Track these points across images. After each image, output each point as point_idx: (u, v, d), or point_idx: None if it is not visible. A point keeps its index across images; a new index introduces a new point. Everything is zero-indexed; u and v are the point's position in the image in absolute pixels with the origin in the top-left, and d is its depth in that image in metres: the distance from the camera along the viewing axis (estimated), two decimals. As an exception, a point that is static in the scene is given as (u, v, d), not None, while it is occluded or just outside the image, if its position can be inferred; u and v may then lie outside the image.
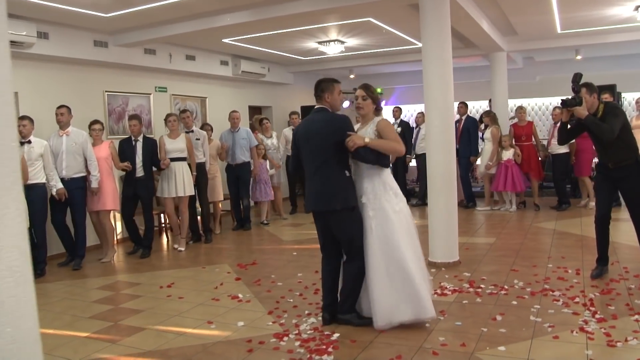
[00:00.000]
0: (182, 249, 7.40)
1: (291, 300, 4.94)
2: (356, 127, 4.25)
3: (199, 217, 8.03)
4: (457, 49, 10.17)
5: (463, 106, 10.02)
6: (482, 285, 5.02)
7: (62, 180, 6.38)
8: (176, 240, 7.54)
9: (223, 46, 9.33)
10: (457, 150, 7.73)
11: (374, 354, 3.63)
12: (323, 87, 4.15)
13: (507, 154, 9.10)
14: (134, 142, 7.06)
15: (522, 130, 9.36)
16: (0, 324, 1.64)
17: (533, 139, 9.31)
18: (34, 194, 5.97)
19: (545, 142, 9.82)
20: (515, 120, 9.66)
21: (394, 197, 4.04)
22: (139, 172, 7.00)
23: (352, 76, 13.29)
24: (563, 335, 3.71)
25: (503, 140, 9.15)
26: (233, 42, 8.83)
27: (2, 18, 1.82)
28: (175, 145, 7.16)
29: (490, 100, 10.71)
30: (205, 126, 8.58)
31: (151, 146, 7.09)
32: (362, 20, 7.59)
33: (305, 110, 12.15)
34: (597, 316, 4.02)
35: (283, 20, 6.91)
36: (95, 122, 6.91)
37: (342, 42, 9.16)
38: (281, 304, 4.83)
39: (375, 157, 3.97)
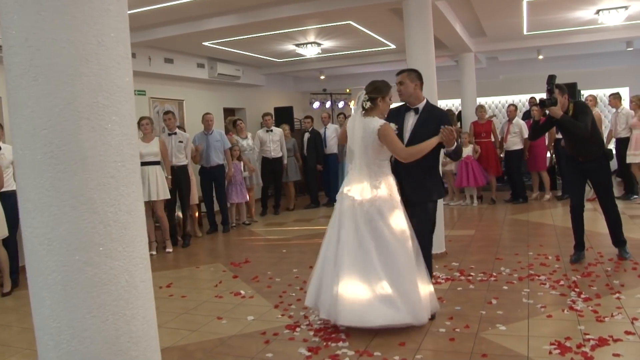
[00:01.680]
0: (170, 250, 7.42)
1: (293, 294, 5.14)
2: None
3: (178, 222, 8.02)
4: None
5: None
6: (472, 274, 5.35)
7: None
8: (152, 247, 7.39)
9: (201, 49, 9.43)
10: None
11: (385, 338, 3.87)
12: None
13: (466, 151, 9.52)
14: None
15: (482, 128, 9.85)
16: (136, 306, 1.83)
17: (492, 137, 9.81)
18: (7, 202, 5.82)
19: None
20: (495, 118, 10.19)
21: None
22: None
23: (322, 77, 13.56)
24: (556, 314, 4.06)
25: (462, 137, 9.61)
26: (212, 45, 8.96)
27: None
28: (148, 149, 7.07)
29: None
30: (178, 129, 8.52)
31: None
32: (343, 23, 7.84)
33: (279, 111, 12.34)
34: (582, 296, 4.39)
35: (266, 24, 7.11)
36: None
37: (319, 44, 9.40)
38: (285, 298, 5.02)
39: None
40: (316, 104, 14.02)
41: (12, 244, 5.97)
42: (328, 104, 14.27)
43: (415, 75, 4.29)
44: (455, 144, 4.09)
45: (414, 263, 3.91)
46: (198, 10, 6.61)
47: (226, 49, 9.35)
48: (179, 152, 7.61)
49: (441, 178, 4.40)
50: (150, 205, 7.15)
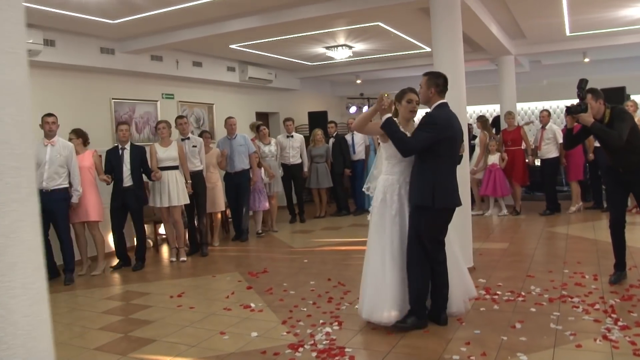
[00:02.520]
0: (184, 258, 7.22)
1: (305, 309, 4.86)
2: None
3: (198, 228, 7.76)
4: (465, 52, 10.14)
5: None
6: (499, 292, 4.93)
7: (43, 191, 6.01)
8: (173, 253, 7.31)
9: (230, 52, 9.29)
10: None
11: (392, 364, 3.55)
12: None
13: (493, 159, 9.17)
14: (120, 151, 6.80)
15: (509, 136, 9.40)
16: (14, 345, 1.57)
17: (523, 144, 9.31)
18: None
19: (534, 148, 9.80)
20: (532, 124, 9.72)
21: None
22: (127, 182, 6.75)
23: (358, 81, 13.25)
24: (586, 344, 3.62)
25: (490, 145, 9.19)
26: (240, 48, 8.79)
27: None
28: (167, 154, 6.94)
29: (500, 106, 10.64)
30: (204, 134, 8.34)
31: (140, 154, 6.86)
32: (371, 24, 7.53)
33: (313, 115, 12.06)
34: (619, 323, 3.92)
35: (291, 25, 6.88)
36: (72, 131, 6.66)
37: (350, 47, 9.11)
38: (295, 313, 4.75)
39: None
40: (353, 109, 13.70)
41: None
42: (365, 109, 13.93)
43: (433, 81, 4.15)
44: (387, 115, 4.05)
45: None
46: (219, 12, 6.44)
47: (254, 51, 9.17)
48: (193, 157, 7.39)
49: (433, 185, 4.00)
50: (169, 211, 7.03)
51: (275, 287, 5.65)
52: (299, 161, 9.65)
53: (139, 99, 8.69)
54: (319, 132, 10.12)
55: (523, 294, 4.84)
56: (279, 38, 8.08)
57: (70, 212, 6.41)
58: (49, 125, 6.15)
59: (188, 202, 7.11)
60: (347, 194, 10.53)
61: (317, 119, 11.83)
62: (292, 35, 7.98)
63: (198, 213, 7.55)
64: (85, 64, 7.36)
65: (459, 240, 5.68)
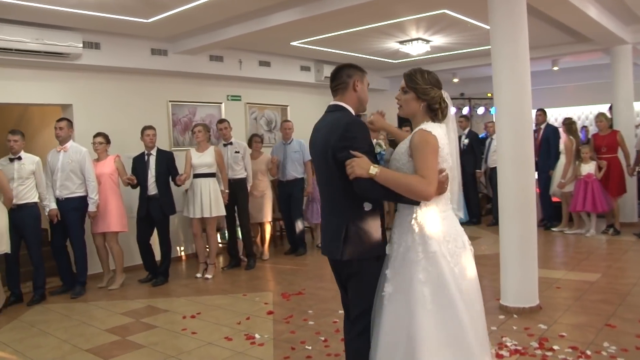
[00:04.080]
0: (209, 276, 6.59)
1: (309, 347, 4.09)
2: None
3: (240, 240, 7.22)
4: (566, 44, 8.71)
5: (542, 113, 8.67)
6: (556, 347, 3.78)
7: (57, 200, 5.87)
8: (200, 269, 6.71)
9: (302, 51, 8.68)
10: (536, 164, 6.44)
11: None
12: (348, 70, 2.84)
13: (587, 168, 7.71)
14: (146, 157, 6.38)
15: (603, 141, 7.87)
16: None
17: (619, 151, 7.81)
18: (25, 214, 5.56)
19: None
20: None
21: (427, 256, 2.56)
22: (151, 190, 6.31)
23: (455, 80, 12.07)
24: None
25: (583, 152, 7.77)
26: (302, 45, 8.15)
27: None
28: (201, 160, 6.43)
29: (611, 106, 8.99)
30: (254, 138, 7.77)
31: (166, 160, 6.38)
32: (437, 12, 6.52)
33: (404, 118, 11.07)
34: None
35: (342, 15, 6.08)
36: (97, 134, 6.33)
37: (427, 41, 8.10)
38: (296, 352, 4.00)
39: (385, 193, 2.54)
40: (452, 110, 12.52)
41: (36, 257, 5.72)
42: (466, 110, 12.68)
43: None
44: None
45: None
46: (256, 4, 5.83)
47: (322, 49, 8.46)
48: (235, 164, 6.85)
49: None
50: (201, 223, 6.54)
51: (297, 315, 4.92)
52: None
53: (199, 101, 8.36)
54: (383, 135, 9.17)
55: (588, 353, 3.66)
56: (341, 32, 7.33)
57: (91, 222, 6.15)
58: (56, 131, 5.95)
59: (223, 213, 6.56)
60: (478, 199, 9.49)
61: (408, 122, 10.81)
62: (354, 29, 7.18)
63: (240, 223, 6.98)
64: (135, 65, 7.12)
65: (519, 269, 4.61)
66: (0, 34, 5.59)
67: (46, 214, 5.84)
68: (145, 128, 6.43)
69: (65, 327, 4.96)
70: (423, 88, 2.65)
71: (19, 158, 5.62)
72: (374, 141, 2.92)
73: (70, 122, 6.11)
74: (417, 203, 2.57)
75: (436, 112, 2.69)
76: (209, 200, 6.34)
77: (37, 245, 5.69)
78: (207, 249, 6.81)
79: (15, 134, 5.63)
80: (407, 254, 2.58)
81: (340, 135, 2.59)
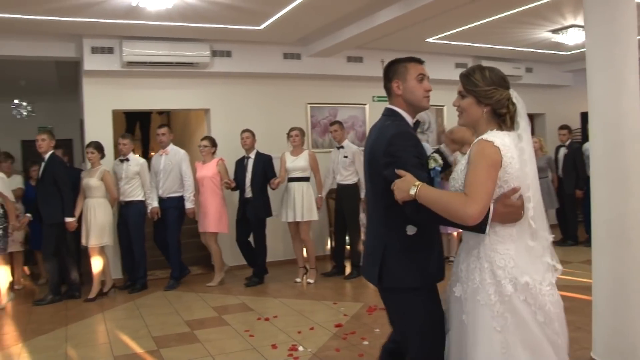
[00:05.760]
0: (311, 281, 6.53)
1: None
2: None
3: (347, 247, 6.97)
4: None
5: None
6: None
7: (160, 199, 6.37)
8: (299, 273, 6.63)
9: (455, 48, 8.12)
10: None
11: None
12: (388, 71, 2.54)
13: None
14: (245, 160, 6.54)
15: None
16: None
17: None
18: (131, 210, 6.19)
19: None
20: None
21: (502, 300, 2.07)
22: (248, 193, 6.46)
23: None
24: None
25: None
26: (437, 41, 7.60)
27: None
28: (295, 164, 6.38)
29: None
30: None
31: (263, 163, 6.47)
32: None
33: (586, 116, 9.63)
34: None
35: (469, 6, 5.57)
36: (204, 138, 6.65)
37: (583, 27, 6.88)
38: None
39: (435, 216, 2.13)
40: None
41: (139, 251, 6.31)
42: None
43: None
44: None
45: None
46: (352, 4, 5.66)
47: (454, 43, 7.75)
48: (343, 169, 6.60)
49: None
50: (297, 227, 6.55)
51: (360, 333, 4.64)
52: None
53: (341, 103, 8.37)
54: (536, 140, 8.01)
55: None
56: (470, 26, 6.68)
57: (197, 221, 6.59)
58: (159, 137, 6.49)
59: (315, 218, 6.49)
60: (576, 220, 8.04)
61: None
62: (483, 21, 6.48)
63: (349, 232, 6.79)
64: (268, 70, 7.46)
65: (613, 317, 3.64)
66: (135, 48, 6.38)
67: (148, 211, 6.43)
68: (242, 131, 6.61)
69: (156, 313, 5.46)
70: (484, 90, 2.19)
71: (127, 159, 6.31)
72: (430, 154, 2.52)
73: (169, 128, 6.67)
74: (482, 230, 2.08)
75: (504, 118, 2.21)
76: (302, 204, 6.34)
77: (140, 239, 6.32)
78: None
79: (124, 138, 6.37)
80: (476, 296, 2.12)
81: (384, 151, 2.31)
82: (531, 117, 10.12)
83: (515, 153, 2.10)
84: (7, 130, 10.36)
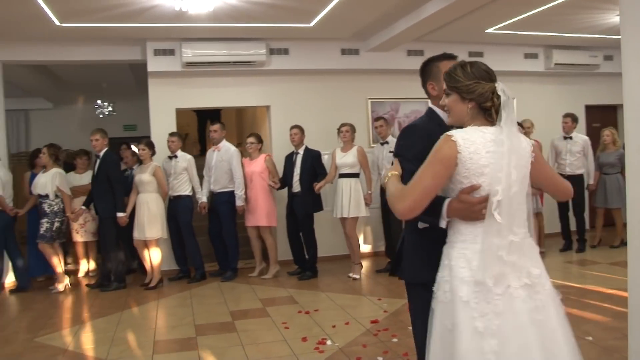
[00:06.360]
0: (356, 276, 6.50)
1: (375, 362, 3.86)
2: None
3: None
4: None
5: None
6: None
7: (212, 193, 6.60)
8: (355, 270, 6.61)
9: (521, 38, 7.77)
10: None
11: None
12: (423, 72, 2.55)
13: None
14: (294, 156, 6.61)
15: None
16: None
17: None
18: (179, 205, 6.45)
19: None
20: None
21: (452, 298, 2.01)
22: (295, 188, 6.53)
23: None
24: None
25: None
26: (497, 32, 7.30)
27: None
28: (344, 160, 6.38)
29: None
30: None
31: (311, 158, 6.50)
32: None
33: None
34: None
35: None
36: (250, 135, 6.77)
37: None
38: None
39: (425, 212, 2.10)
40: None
41: (191, 243, 6.60)
42: None
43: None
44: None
45: None
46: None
47: (513, 32, 7.42)
48: (388, 164, 6.52)
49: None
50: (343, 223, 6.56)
51: (393, 329, 4.60)
52: None
53: (404, 98, 8.26)
54: (608, 133, 7.41)
55: None
56: (530, 13, 6.35)
57: (245, 215, 6.75)
58: (211, 134, 6.75)
59: (363, 214, 6.49)
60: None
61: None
62: (541, 8, 6.15)
63: (392, 227, 6.69)
64: (326, 67, 7.54)
65: None
66: (194, 49, 6.69)
67: (198, 206, 6.71)
68: (291, 128, 6.71)
69: (206, 303, 5.73)
70: (465, 85, 2.11)
71: (175, 156, 6.60)
72: None
73: (222, 125, 6.86)
74: (436, 225, 2.09)
75: (489, 112, 2.10)
76: (349, 200, 6.35)
77: (189, 232, 6.59)
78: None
79: (173, 136, 6.66)
80: (437, 291, 2.09)
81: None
82: (613, 108, 9.44)
83: (482, 148, 2.00)
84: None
